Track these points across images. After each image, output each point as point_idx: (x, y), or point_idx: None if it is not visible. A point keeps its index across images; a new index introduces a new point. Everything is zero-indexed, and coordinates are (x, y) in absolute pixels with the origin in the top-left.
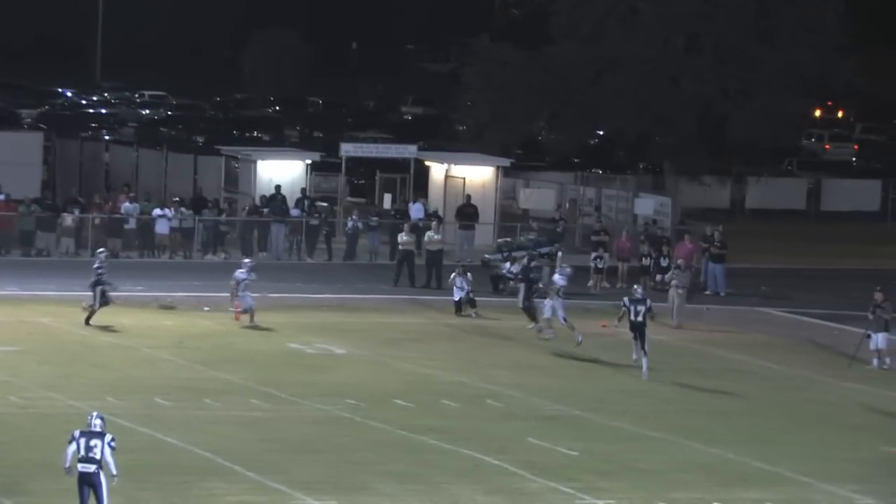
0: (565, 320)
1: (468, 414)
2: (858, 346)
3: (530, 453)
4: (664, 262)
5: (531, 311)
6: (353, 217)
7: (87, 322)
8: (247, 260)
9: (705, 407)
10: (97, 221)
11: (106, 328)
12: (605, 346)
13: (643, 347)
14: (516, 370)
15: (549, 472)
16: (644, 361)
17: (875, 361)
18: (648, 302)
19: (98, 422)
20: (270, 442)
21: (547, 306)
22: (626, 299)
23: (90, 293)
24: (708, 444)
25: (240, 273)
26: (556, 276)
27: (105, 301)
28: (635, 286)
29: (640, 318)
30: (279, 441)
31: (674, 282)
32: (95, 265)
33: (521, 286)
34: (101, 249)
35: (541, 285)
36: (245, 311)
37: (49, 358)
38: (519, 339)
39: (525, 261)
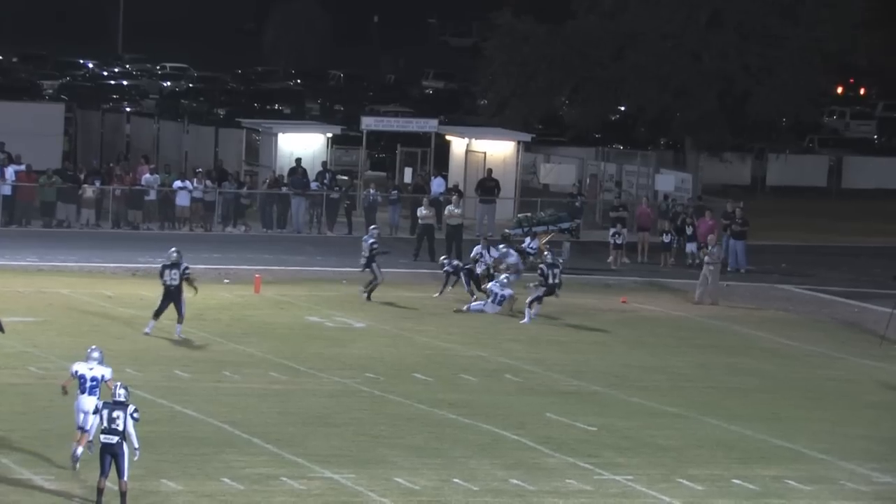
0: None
1: (487, 388)
2: (888, 324)
3: (549, 428)
4: (689, 231)
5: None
6: (371, 190)
7: (368, 297)
8: (501, 246)
9: (724, 383)
10: (118, 193)
11: (124, 300)
12: (625, 322)
13: (541, 300)
14: (535, 345)
15: (567, 447)
16: (536, 307)
17: None
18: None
19: (122, 392)
20: (289, 414)
21: (487, 304)
22: (542, 266)
23: (365, 270)
24: (727, 420)
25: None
26: (492, 284)
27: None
28: (546, 252)
29: (556, 280)
30: (297, 414)
31: (707, 258)
32: (371, 241)
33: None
34: (373, 226)
35: (562, 260)
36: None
37: (68, 329)
38: (538, 314)
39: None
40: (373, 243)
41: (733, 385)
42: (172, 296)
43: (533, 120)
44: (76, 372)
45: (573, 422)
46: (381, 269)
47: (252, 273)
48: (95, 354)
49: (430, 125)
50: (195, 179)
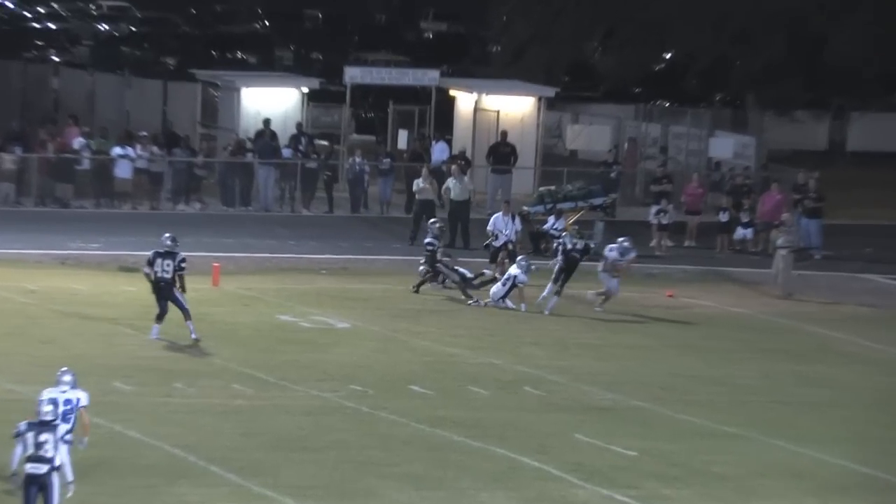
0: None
1: (501, 404)
2: None
3: (578, 453)
4: (745, 218)
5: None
6: (357, 158)
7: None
8: (621, 239)
9: (794, 397)
10: (45, 164)
11: (51, 296)
12: (672, 321)
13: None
14: (560, 350)
15: (601, 476)
16: (554, 299)
17: None
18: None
19: (49, 409)
20: (255, 436)
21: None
22: (567, 236)
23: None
24: (798, 442)
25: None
26: (517, 272)
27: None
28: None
29: (576, 254)
30: (266, 435)
31: (780, 241)
32: (427, 240)
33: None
34: (433, 220)
35: (593, 244)
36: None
37: None
38: (564, 311)
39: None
40: (428, 243)
41: (805, 399)
42: (165, 292)
43: (558, 70)
44: (46, 400)
45: (608, 444)
46: (452, 267)
47: (209, 261)
48: (67, 378)
49: (429, 77)
50: (139, 145)
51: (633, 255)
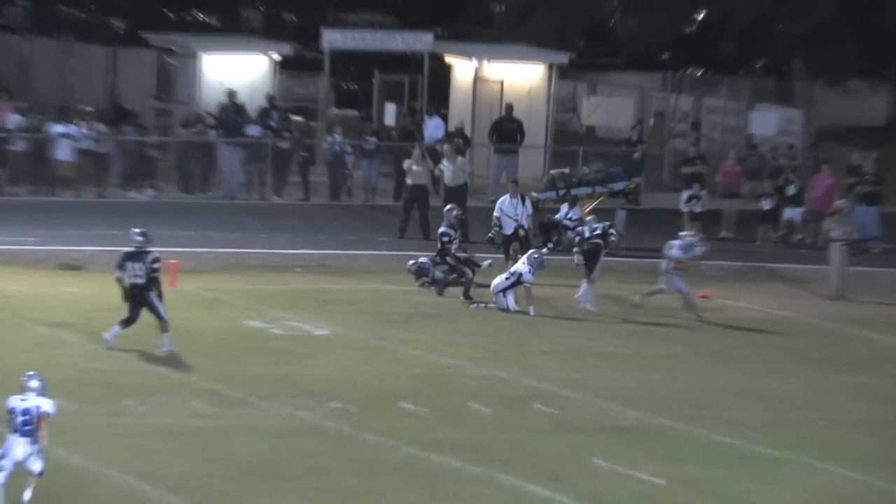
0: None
1: (506, 423)
2: None
3: (595, 481)
4: (793, 191)
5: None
6: (337, 136)
7: (467, 296)
8: (683, 233)
9: (847, 414)
10: None
11: None
12: (706, 326)
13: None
14: (576, 360)
15: None
16: (585, 286)
17: None
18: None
19: None
20: (220, 462)
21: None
22: (578, 233)
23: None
24: (851, 466)
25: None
26: (524, 268)
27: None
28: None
29: (597, 241)
30: (232, 461)
31: (832, 233)
32: (441, 230)
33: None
34: (449, 206)
35: (616, 231)
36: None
37: None
38: (580, 313)
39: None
40: (443, 234)
41: (859, 416)
42: (140, 298)
43: (572, 33)
44: (7, 407)
45: (630, 470)
46: (471, 263)
47: (165, 257)
48: (33, 383)
49: (421, 42)
50: (82, 123)
51: (698, 250)
